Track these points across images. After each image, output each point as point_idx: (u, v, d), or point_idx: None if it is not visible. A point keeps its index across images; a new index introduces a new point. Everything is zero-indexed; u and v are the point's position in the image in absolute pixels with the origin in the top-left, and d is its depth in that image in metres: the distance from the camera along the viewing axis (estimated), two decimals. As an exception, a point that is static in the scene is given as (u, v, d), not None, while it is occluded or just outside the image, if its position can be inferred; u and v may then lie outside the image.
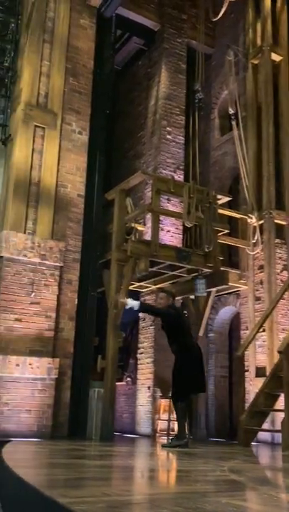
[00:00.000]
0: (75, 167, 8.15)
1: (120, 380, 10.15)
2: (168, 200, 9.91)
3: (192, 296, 8.93)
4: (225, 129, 11.29)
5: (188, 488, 2.79)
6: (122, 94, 12.82)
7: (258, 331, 7.45)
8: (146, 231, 9.50)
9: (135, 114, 12.00)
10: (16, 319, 7.05)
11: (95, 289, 8.34)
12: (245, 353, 8.04)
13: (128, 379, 10.72)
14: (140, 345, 10.07)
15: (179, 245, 9.58)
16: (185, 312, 8.40)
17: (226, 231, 8.66)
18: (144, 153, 11.15)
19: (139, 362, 10.06)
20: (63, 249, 7.65)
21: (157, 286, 9.23)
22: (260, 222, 8.88)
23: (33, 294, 7.21)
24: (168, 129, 10.65)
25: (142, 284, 9.12)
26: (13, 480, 2.87)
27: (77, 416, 7.60)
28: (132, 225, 8.84)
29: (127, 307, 6.51)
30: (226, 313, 10.39)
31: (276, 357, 7.28)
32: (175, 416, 6.61)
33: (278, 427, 6.74)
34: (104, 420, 7.34)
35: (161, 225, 8.99)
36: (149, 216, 8.91)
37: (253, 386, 8.16)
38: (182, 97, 10.97)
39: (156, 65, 11.21)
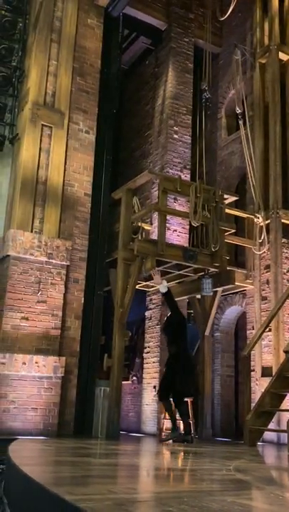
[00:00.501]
0: (82, 166, 8.17)
1: (126, 379, 10.17)
2: (175, 199, 9.90)
3: (198, 296, 8.92)
4: (232, 129, 11.28)
5: (194, 487, 2.80)
6: (129, 94, 12.83)
7: (264, 331, 7.43)
8: (153, 230, 9.50)
9: (142, 114, 12.01)
10: (23, 318, 7.08)
11: (102, 288, 8.36)
12: (252, 352, 8.03)
13: (134, 378, 10.73)
14: (146, 345, 10.08)
15: (186, 245, 9.58)
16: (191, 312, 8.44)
17: (233, 230, 8.64)
18: (151, 152, 11.15)
19: (145, 361, 10.07)
20: (70, 248, 7.68)
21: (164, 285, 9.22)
22: (267, 221, 8.86)
23: (40, 292, 7.24)
24: (175, 128, 10.64)
25: (148, 283, 9.13)
26: (19, 477, 2.89)
27: (83, 414, 7.62)
28: (139, 224, 8.85)
29: (159, 287, 7.24)
30: (232, 312, 10.38)
31: (282, 357, 7.26)
32: (178, 414, 6.76)
33: (284, 426, 6.73)
34: (110, 419, 7.36)
35: (167, 225, 8.98)
36: (155, 215, 8.91)
37: (259, 386, 8.15)
38: (189, 96, 10.96)
39: (164, 64, 11.20)
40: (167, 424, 9.11)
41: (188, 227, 9.98)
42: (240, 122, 9.40)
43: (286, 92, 9.60)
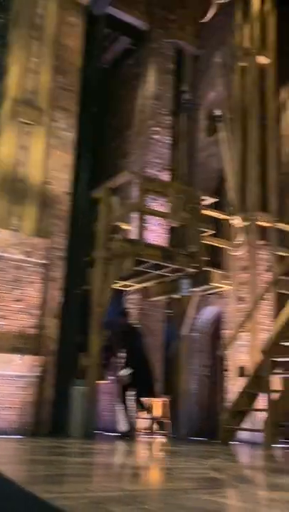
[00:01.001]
0: (61, 164, 8.13)
1: (103, 379, 10.13)
2: (154, 199, 9.92)
3: (176, 296, 8.97)
4: (212, 131, 11.35)
5: (170, 485, 2.83)
6: (110, 93, 12.79)
7: (240, 331, 7.52)
8: (132, 230, 9.51)
9: (123, 113, 11.99)
10: (0, 316, 7.02)
11: (80, 287, 8.32)
12: (228, 352, 8.12)
13: (111, 378, 10.70)
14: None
15: (164, 245, 9.61)
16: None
17: (211, 232, 8.71)
18: (132, 152, 11.16)
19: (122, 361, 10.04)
20: (48, 246, 7.63)
21: (142, 285, 9.25)
22: (244, 223, 8.95)
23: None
24: (155, 128, 10.67)
25: (126, 282, 9.13)
26: (-6, 476, 2.87)
27: (60, 414, 7.57)
28: (118, 223, 8.85)
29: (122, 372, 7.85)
30: (209, 313, 10.46)
31: (258, 357, 7.35)
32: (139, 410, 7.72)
33: (259, 426, 6.81)
34: (86, 418, 7.34)
35: (146, 225, 9.00)
36: (134, 215, 8.92)
37: (235, 385, 8.23)
38: (169, 97, 10.99)
39: (144, 64, 11.21)
40: (142, 423, 9.16)
41: (167, 227, 10.01)
42: (220, 125, 9.48)
43: (265, 95, 9.71)
